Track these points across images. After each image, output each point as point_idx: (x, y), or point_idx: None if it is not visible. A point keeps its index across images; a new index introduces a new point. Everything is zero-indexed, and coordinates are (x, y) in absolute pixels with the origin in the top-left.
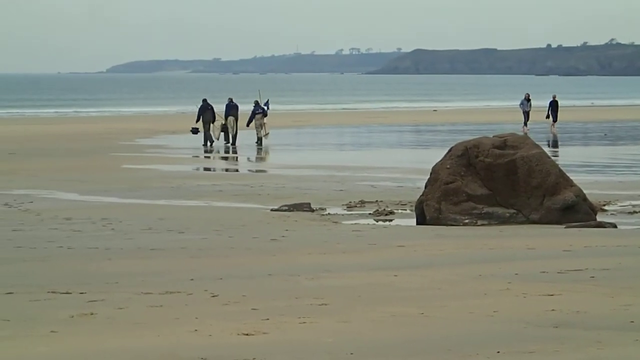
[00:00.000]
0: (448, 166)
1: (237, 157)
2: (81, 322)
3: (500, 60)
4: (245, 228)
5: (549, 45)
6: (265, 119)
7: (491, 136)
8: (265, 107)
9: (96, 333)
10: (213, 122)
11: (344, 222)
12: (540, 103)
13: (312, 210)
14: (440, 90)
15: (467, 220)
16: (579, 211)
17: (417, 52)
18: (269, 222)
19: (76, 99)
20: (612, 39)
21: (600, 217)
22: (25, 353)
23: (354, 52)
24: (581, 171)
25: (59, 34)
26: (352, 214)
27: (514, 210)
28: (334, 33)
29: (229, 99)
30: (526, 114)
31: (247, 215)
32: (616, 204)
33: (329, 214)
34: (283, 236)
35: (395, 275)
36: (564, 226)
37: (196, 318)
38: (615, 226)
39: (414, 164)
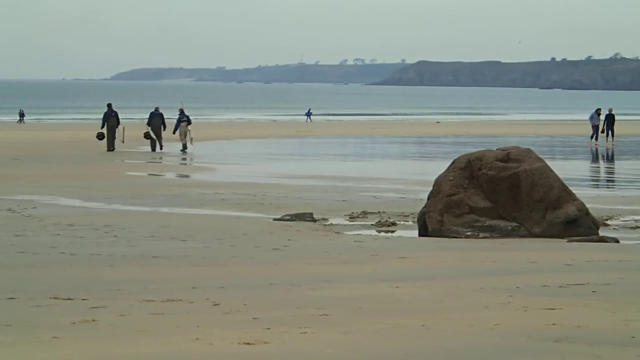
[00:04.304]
0: (451, 178)
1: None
2: (83, 329)
3: (505, 73)
4: (247, 237)
5: (553, 58)
6: (189, 126)
7: (494, 149)
8: (188, 117)
9: (98, 340)
10: (117, 128)
11: (346, 233)
12: (555, 117)
13: (315, 221)
14: (444, 102)
15: (469, 233)
16: (581, 225)
17: (421, 63)
18: (271, 232)
19: (80, 106)
20: (617, 53)
21: (602, 232)
22: (27, 359)
23: (358, 63)
24: (584, 185)
25: (63, 40)
26: (354, 224)
27: (516, 224)
28: (339, 43)
29: (155, 108)
30: (595, 128)
31: (249, 224)
32: (619, 219)
33: (331, 224)
34: (285, 246)
35: (397, 287)
36: (566, 240)
37: (197, 326)
38: (617, 241)
39: (417, 176)
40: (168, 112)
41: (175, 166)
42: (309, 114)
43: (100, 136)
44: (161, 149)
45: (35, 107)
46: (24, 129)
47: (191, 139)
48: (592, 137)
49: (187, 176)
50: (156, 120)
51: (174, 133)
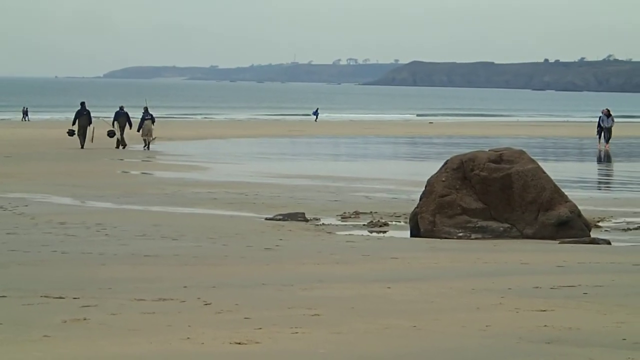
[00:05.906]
0: (443, 179)
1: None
2: (74, 328)
3: (498, 74)
4: (239, 237)
5: (546, 60)
6: (153, 124)
7: (487, 150)
8: (152, 116)
9: (89, 339)
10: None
11: (338, 233)
12: (551, 119)
13: (307, 220)
14: (437, 103)
15: (461, 234)
16: (573, 227)
17: (415, 64)
18: (263, 231)
19: (73, 104)
20: (610, 55)
21: (594, 234)
22: (18, 358)
23: (351, 63)
24: (576, 187)
25: (56, 38)
26: (346, 224)
27: (508, 225)
28: (332, 43)
29: (120, 107)
30: (606, 130)
31: (241, 223)
32: (610, 221)
33: (323, 224)
34: (277, 245)
35: (389, 288)
36: (558, 242)
37: (189, 326)
38: (609, 243)
39: (409, 176)
40: (166, 111)
41: (168, 165)
42: (316, 114)
43: (70, 133)
44: (122, 147)
45: (32, 106)
46: (21, 126)
47: (153, 138)
48: (607, 140)
49: (179, 175)
50: (122, 119)
51: (138, 131)
